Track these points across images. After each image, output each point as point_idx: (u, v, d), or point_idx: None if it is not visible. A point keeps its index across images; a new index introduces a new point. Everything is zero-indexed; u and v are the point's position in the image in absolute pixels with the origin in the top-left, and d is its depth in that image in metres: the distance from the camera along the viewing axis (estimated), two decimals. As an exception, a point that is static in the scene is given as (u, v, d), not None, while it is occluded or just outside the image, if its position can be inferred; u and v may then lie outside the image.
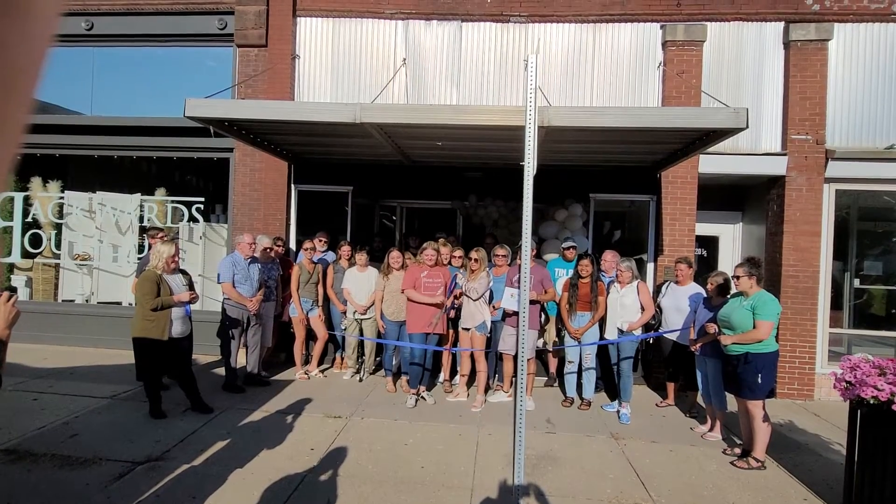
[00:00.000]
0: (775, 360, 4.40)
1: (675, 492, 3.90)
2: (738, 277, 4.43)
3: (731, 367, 4.38)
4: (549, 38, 6.99)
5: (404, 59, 7.11)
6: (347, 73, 7.27)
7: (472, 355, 5.78)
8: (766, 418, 4.30)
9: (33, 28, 0.35)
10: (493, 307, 5.75)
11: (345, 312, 6.42)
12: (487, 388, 5.93)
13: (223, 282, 5.70)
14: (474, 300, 5.58)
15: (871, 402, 3.36)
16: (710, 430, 5.05)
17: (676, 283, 5.70)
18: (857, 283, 7.02)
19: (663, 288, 5.95)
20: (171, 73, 7.82)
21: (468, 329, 5.68)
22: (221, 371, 6.01)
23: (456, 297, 5.82)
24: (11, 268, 8.08)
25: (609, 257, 5.90)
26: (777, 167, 6.69)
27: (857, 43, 6.68)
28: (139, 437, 4.44)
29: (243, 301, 5.71)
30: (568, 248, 6.25)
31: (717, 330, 4.57)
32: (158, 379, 5.04)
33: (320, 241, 6.85)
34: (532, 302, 5.18)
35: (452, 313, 5.97)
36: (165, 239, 5.45)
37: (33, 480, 3.63)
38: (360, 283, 6.28)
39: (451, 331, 6.18)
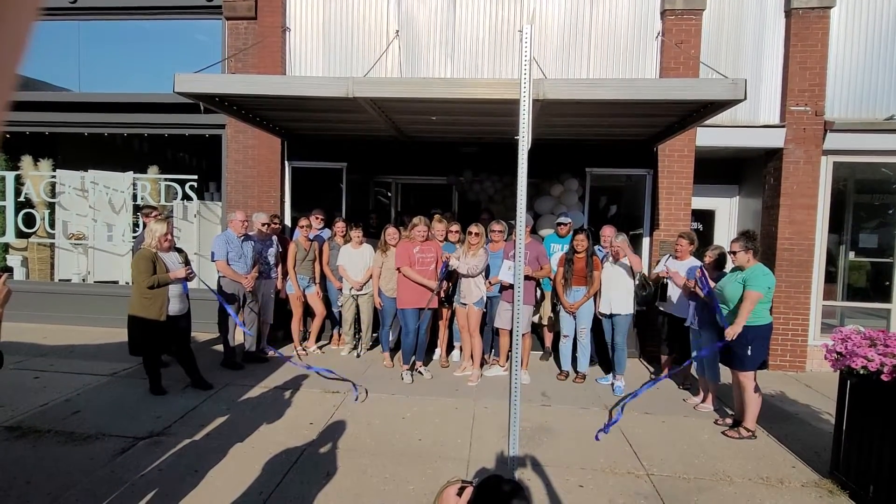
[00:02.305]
0: (768, 333, 4.43)
1: (667, 461, 3.99)
2: (734, 253, 4.44)
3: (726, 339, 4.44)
4: (544, 7, 6.83)
5: (397, 31, 6.96)
6: (339, 46, 7.12)
7: (468, 330, 5.83)
8: (756, 389, 4.37)
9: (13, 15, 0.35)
10: (490, 282, 5.78)
11: (341, 289, 6.44)
12: (483, 363, 5.99)
13: (217, 260, 5.70)
14: (473, 276, 5.60)
15: (861, 372, 3.41)
16: (703, 401, 5.14)
17: (675, 257, 5.73)
18: (851, 255, 7.04)
19: (662, 261, 5.98)
20: (160, 47, 7.63)
21: (465, 304, 5.71)
22: (220, 348, 6.05)
23: (447, 279, 5.84)
24: (6, 248, 8.06)
25: (608, 232, 5.92)
26: (775, 139, 6.63)
27: (859, 10, 6.54)
28: (140, 413, 4.50)
29: (238, 278, 5.71)
30: (561, 225, 6.31)
31: (695, 283, 4.84)
32: (157, 356, 5.07)
33: (316, 218, 6.82)
34: (527, 278, 5.19)
35: (446, 287, 5.99)
36: (159, 217, 5.42)
37: (38, 456, 3.69)
38: (354, 259, 6.29)
39: (445, 307, 6.21)
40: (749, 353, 4.27)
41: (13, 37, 0.35)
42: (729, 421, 4.67)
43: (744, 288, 4.30)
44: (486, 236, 5.85)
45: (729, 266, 4.87)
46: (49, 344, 6.48)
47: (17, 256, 8.06)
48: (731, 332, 4.30)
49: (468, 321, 5.73)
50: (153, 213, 5.88)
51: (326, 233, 6.86)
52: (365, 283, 6.29)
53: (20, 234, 7.82)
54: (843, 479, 3.63)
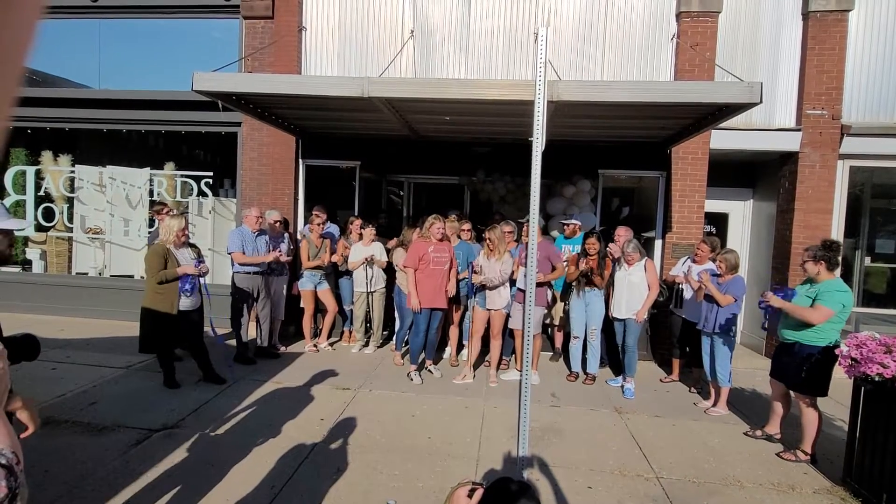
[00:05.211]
0: (826, 354, 3.97)
1: (677, 464, 3.98)
2: (803, 262, 4.19)
3: (786, 354, 4.22)
4: (559, 9, 6.82)
5: (412, 31, 6.99)
6: (355, 46, 7.17)
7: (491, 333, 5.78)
8: (816, 410, 4.12)
9: (18, 12, 0.37)
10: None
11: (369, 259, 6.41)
12: (499, 365, 5.96)
13: (233, 251, 5.77)
14: (499, 284, 5.56)
15: (876, 378, 3.38)
16: (714, 405, 5.11)
17: (695, 261, 5.71)
18: (867, 261, 6.96)
19: (680, 262, 5.97)
20: (178, 45, 7.75)
21: (489, 309, 5.64)
22: (233, 343, 6.13)
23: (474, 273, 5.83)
24: (26, 241, 8.22)
25: (622, 232, 5.92)
26: (790, 143, 6.57)
27: (878, 13, 6.47)
28: (154, 405, 4.58)
29: (260, 259, 5.82)
30: (565, 225, 6.35)
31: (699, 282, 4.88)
32: (170, 350, 5.16)
33: (317, 216, 6.61)
34: (539, 284, 5.18)
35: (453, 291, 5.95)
36: (174, 213, 5.51)
37: (54, 446, 3.77)
38: (364, 256, 6.35)
39: (455, 306, 6.22)
40: (802, 374, 4.03)
41: (18, 33, 0.36)
42: (759, 432, 4.51)
43: (813, 302, 3.99)
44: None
45: (744, 271, 4.83)
46: (66, 336, 6.60)
47: (36, 249, 8.22)
48: (775, 302, 4.09)
49: (492, 324, 5.67)
50: (164, 210, 5.97)
51: (331, 227, 6.89)
52: (363, 263, 6.33)
53: (39, 228, 7.97)
54: (856, 486, 3.60)
